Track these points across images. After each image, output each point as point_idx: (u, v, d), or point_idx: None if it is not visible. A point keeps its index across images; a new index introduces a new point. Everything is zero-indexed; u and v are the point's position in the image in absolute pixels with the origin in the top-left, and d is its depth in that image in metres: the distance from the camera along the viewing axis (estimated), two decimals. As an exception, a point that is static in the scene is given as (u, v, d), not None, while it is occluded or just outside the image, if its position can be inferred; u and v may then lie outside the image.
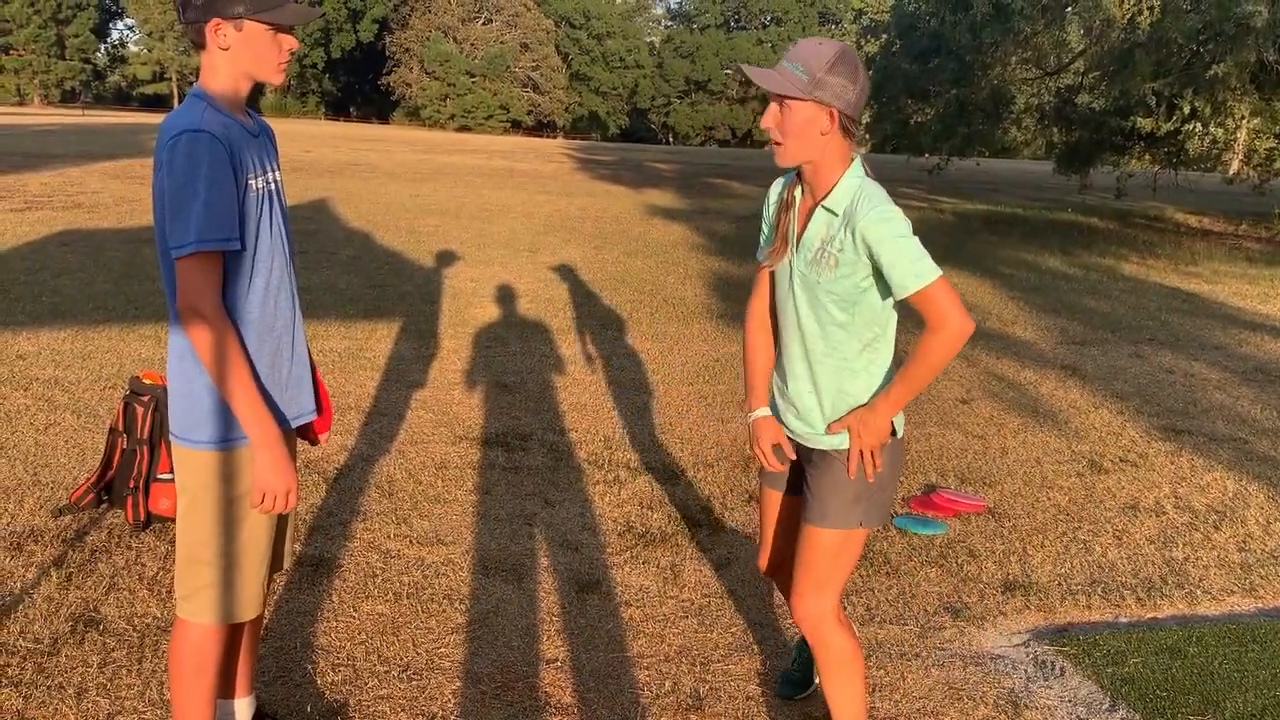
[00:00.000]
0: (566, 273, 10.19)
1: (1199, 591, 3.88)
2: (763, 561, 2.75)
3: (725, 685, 3.05)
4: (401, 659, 3.09)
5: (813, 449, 2.43)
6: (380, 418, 5.38)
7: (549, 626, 3.33)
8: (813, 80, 2.18)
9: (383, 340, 7.03)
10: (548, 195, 18.41)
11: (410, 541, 3.91)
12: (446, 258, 10.59)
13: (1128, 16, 12.13)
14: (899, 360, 2.37)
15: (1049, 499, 4.77)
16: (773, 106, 2.25)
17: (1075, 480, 5.04)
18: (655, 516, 4.29)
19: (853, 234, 2.21)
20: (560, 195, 18.59)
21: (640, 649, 3.23)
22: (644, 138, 77.20)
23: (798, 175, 2.37)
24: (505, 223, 13.85)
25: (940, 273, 2.17)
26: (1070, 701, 3.07)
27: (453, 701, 2.88)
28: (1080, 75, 16.37)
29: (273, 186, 2.19)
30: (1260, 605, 3.82)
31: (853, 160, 2.28)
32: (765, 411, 2.57)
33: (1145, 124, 12.80)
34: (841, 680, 2.46)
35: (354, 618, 3.32)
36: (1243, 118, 11.49)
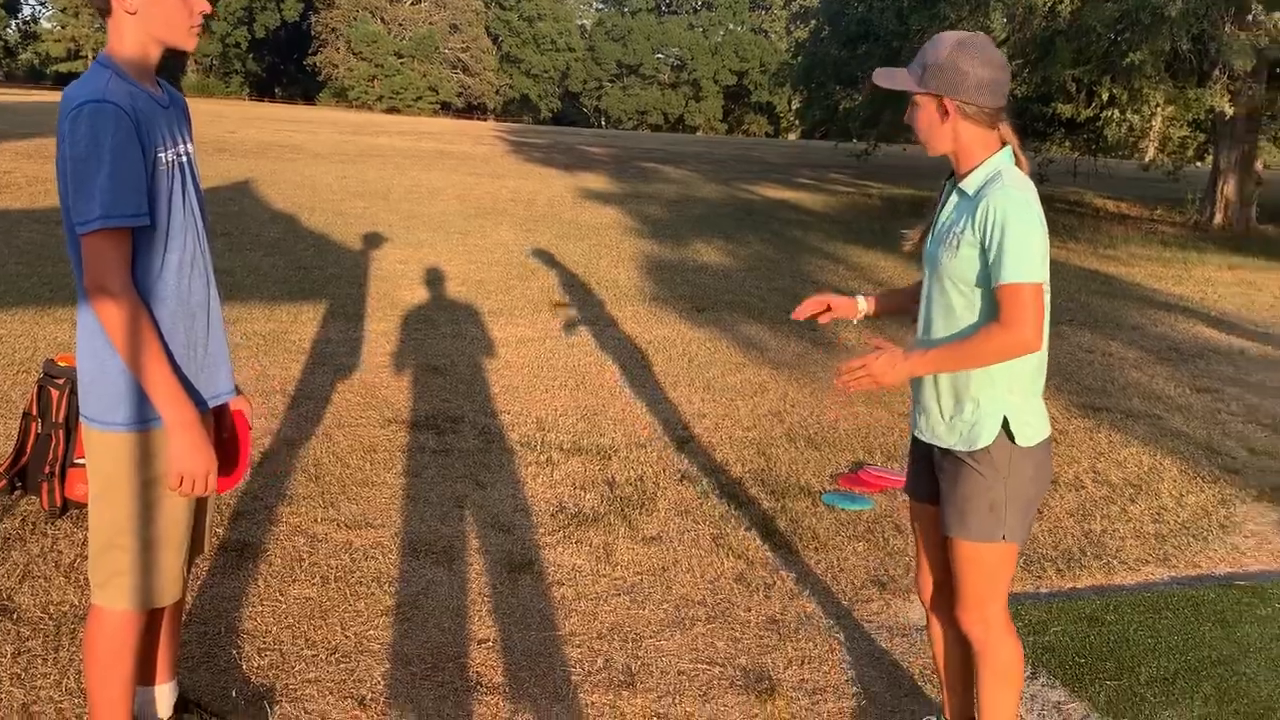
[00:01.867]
0: (498, 255, 10.11)
1: (1116, 562, 3.99)
2: (923, 589, 2.60)
3: (657, 661, 3.06)
4: (329, 642, 3.05)
5: (943, 454, 2.35)
6: (306, 401, 5.29)
7: (480, 607, 3.31)
8: (924, 71, 2.23)
9: (308, 323, 6.91)
10: (478, 177, 18.23)
11: (338, 525, 3.85)
12: (374, 240, 10.44)
13: (1049, 5, 12.37)
14: (1036, 365, 2.27)
15: (973, 475, 4.86)
16: (910, 106, 2.32)
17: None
18: (588, 497, 4.29)
19: (976, 212, 2.18)
20: (491, 178, 18.42)
21: (572, 627, 3.23)
22: (576, 121, 76.85)
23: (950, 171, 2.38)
24: (435, 205, 13.69)
25: (1041, 281, 2.13)
26: (993, 670, 3.13)
27: (382, 684, 2.85)
28: (1004, 62, 16.61)
29: (184, 159, 2.13)
30: (1173, 574, 3.94)
31: (1001, 148, 2.27)
32: (856, 300, 2.69)
33: (1066, 110, 13.10)
34: (1000, 691, 2.38)
35: (280, 602, 3.26)
36: (1158, 105, 11.82)
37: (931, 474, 2.43)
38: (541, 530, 3.94)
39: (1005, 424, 2.24)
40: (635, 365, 6.43)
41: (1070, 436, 5.54)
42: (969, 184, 2.25)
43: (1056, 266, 11.99)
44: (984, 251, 2.17)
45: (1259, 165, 17.20)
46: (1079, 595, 3.69)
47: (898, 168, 25.63)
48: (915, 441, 2.49)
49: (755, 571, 3.70)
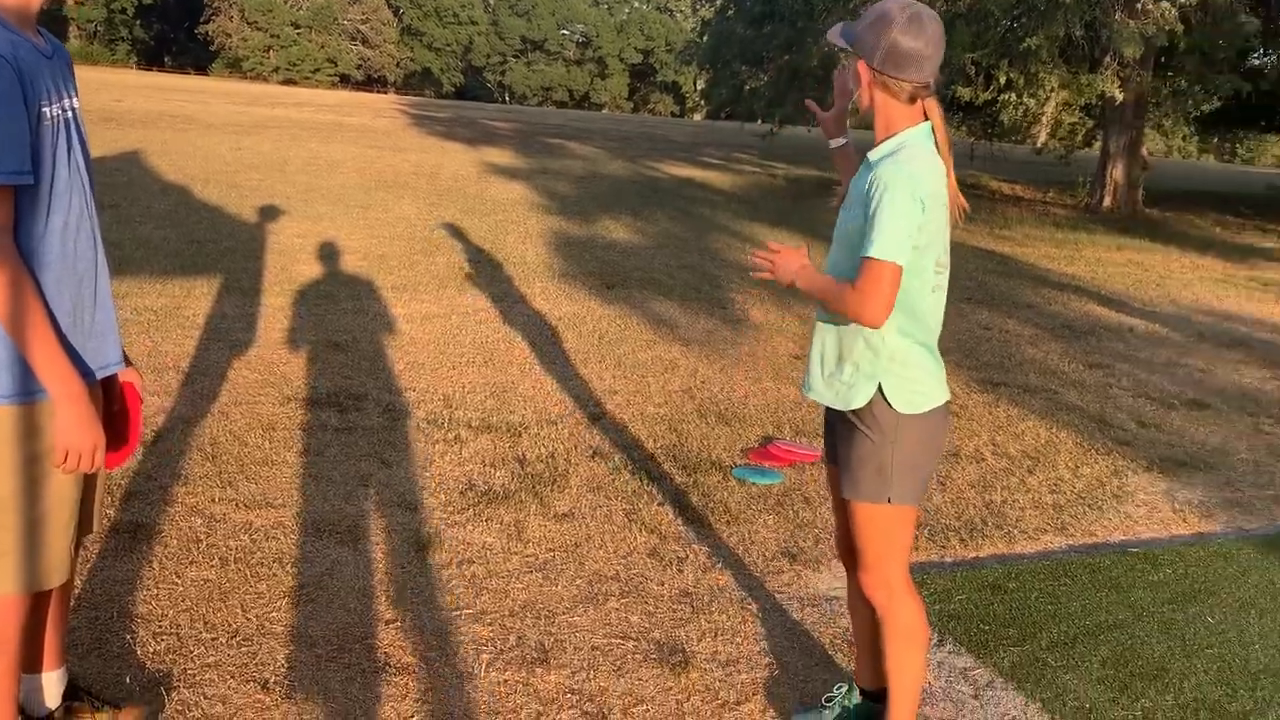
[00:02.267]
0: (400, 230, 9.90)
1: (1016, 531, 4.10)
2: (840, 548, 2.65)
3: (570, 637, 3.03)
4: (230, 625, 2.93)
5: (840, 418, 2.39)
6: (201, 378, 5.09)
7: (387, 587, 3.23)
8: (854, 32, 2.26)
9: (202, 298, 6.65)
10: (379, 151, 17.84)
11: (237, 505, 3.71)
12: (271, 213, 10.12)
13: (950, -12, 12.61)
14: (922, 340, 2.30)
15: (879, 448, 4.94)
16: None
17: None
18: (498, 474, 4.22)
19: (868, 182, 2.19)
20: (393, 151, 18.04)
21: (483, 605, 3.17)
22: (480, 96, 75.81)
23: None
24: (335, 178, 13.34)
25: (901, 263, 2.13)
26: (901, 638, 3.18)
27: (286, 666, 2.75)
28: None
29: (70, 114, 2.00)
30: (1071, 542, 4.07)
31: (920, 124, 2.26)
32: (846, 130, 2.65)
33: (965, 93, 13.40)
34: (905, 653, 2.41)
35: (177, 584, 3.13)
36: (1053, 90, 12.18)
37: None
38: (450, 508, 3.86)
39: (881, 390, 2.28)
40: (545, 342, 6.36)
41: (970, 410, 5.68)
42: (875, 153, 2.27)
43: (955, 246, 12.27)
44: (867, 221, 2.20)
45: (1144, 150, 17.88)
46: (982, 564, 3.78)
47: (802, 148, 25.93)
48: (827, 408, 2.51)
49: (668, 546, 3.69)
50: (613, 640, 3.03)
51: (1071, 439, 5.32)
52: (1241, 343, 8.22)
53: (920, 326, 2.30)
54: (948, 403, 2.37)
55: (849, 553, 2.57)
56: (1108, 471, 4.88)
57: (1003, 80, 12.24)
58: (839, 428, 2.40)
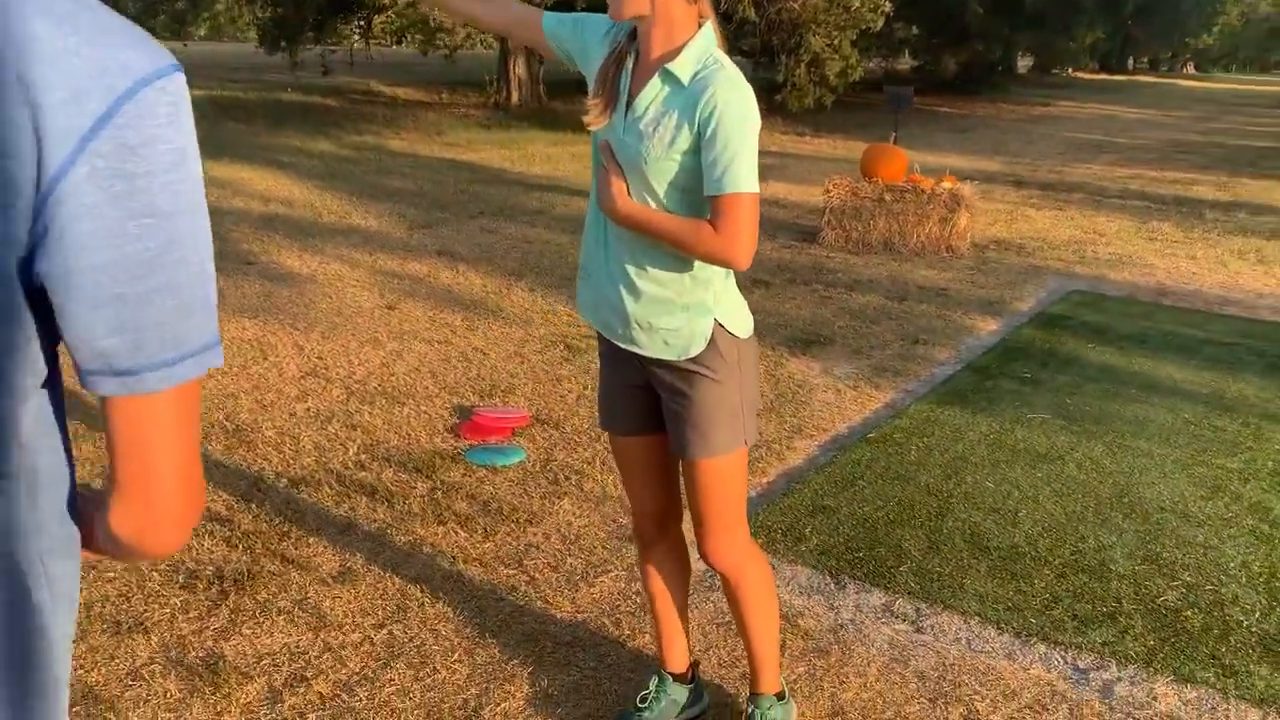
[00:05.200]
0: None
1: (778, 446, 4.06)
2: (644, 525, 2.28)
3: (511, 706, 2.36)
4: None
5: (670, 372, 2.02)
6: None
7: (230, 761, 2.23)
8: None
9: None
10: None
11: None
12: None
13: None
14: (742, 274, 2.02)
15: (567, 389, 4.58)
16: None
17: (565, 360, 4.92)
18: (209, 547, 3.15)
19: (697, 104, 1.84)
20: None
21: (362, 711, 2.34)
22: None
23: (632, 31, 1.96)
24: None
25: (758, 191, 1.87)
26: (794, 588, 2.99)
27: None
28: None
29: None
30: (818, 442, 4.14)
31: (702, 28, 1.91)
32: None
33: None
34: (764, 608, 2.24)
35: None
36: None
37: (647, 402, 2.15)
38: (194, 613, 2.79)
39: (719, 322, 2.01)
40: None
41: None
42: (680, 68, 1.87)
43: (414, 159, 11.84)
44: (700, 149, 1.87)
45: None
46: (780, 490, 3.69)
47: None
48: (615, 367, 2.16)
49: (503, 573, 3.05)
50: (566, 705, 2.42)
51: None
52: (726, 218, 9.06)
53: None
54: None
55: (658, 525, 2.28)
56: (770, 364, 5.06)
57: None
58: (673, 383, 2.04)
